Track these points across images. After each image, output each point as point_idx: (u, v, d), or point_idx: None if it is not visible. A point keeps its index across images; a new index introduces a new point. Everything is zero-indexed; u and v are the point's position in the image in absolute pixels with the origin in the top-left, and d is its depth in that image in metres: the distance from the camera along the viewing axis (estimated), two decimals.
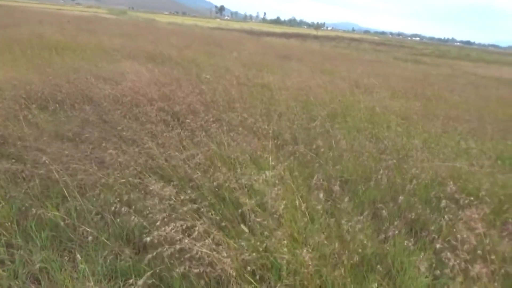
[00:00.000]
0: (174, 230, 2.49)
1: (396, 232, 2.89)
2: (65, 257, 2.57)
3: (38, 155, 3.51)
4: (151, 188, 2.95)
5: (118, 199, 2.87)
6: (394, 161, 4.23)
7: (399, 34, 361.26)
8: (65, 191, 3.00)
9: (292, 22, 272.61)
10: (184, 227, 2.54)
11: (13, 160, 3.58)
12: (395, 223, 3.08)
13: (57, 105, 5.58)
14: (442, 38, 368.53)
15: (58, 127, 4.75)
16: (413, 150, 4.78)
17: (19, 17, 22.56)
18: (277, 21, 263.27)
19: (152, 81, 7.15)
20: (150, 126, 4.75)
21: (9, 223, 2.68)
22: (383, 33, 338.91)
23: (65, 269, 2.45)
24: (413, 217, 3.23)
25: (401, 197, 3.24)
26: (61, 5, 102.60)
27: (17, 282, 2.29)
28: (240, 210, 2.88)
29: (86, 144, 3.97)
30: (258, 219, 2.75)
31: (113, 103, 5.75)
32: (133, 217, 2.71)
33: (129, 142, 4.23)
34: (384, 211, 3.06)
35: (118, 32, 19.10)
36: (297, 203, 2.95)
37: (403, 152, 4.83)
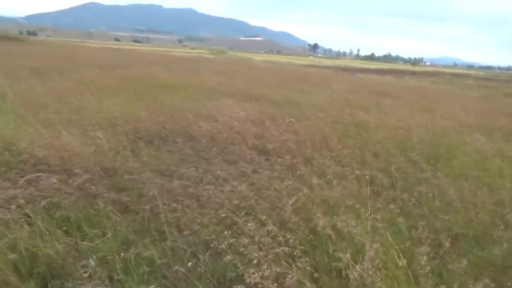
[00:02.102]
0: (266, 276, 2.41)
1: None
2: None
3: (142, 189, 3.75)
4: (245, 229, 2.93)
5: (212, 239, 2.89)
6: None
7: (508, 68, 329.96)
8: (164, 227, 3.12)
9: (387, 58, 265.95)
10: (276, 273, 2.45)
11: (121, 192, 3.88)
12: None
13: (161, 141, 6.00)
14: None
15: (160, 162, 5.06)
16: None
17: (134, 59, 25.44)
18: (371, 57, 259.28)
19: (247, 119, 7.37)
20: (243, 164, 4.83)
21: (112, 256, 2.84)
22: (489, 67, 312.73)
23: None
24: None
25: None
26: (170, 47, 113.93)
27: None
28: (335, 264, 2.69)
29: (184, 180, 4.14)
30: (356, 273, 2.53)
31: (210, 140, 6.01)
32: (225, 259, 2.70)
33: (223, 180, 4.31)
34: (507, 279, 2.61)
35: (217, 71, 20.37)
36: (399, 259, 2.67)
37: None
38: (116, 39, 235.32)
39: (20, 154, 4.42)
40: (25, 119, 5.79)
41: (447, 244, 3.03)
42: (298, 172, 4.69)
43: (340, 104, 11.64)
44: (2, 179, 3.83)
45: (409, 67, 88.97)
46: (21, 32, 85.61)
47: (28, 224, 3.14)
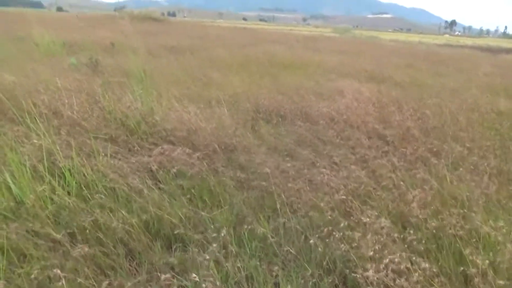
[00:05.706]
0: (383, 271, 2.26)
1: None
2: (268, 271, 2.65)
3: (259, 166, 3.85)
4: (362, 218, 2.79)
5: (327, 224, 2.82)
6: None
7: None
8: (277, 206, 3.15)
9: None
10: (396, 268, 2.28)
11: (239, 167, 4.05)
12: None
13: (280, 119, 6.07)
14: None
15: (277, 140, 5.11)
16: None
17: (258, 38, 26.14)
18: None
19: (369, 101, 6.98)
20: (361, 150, 4.61)
21: (228, 227, 2.98)
22: None
23: (268, 283, 2.53)
24: None
25: None
26: (293, 26, 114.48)
27: (226, 286, 2.49)
28: (463, 268, 2.39)
29: (300, 161, 4.11)
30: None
31: (329, 121, 5.86)
32: (340, 246, 2.62)
33: (339, 164, 4.17)
34: None
35: (339, 50, 19.75)
36: None
37: None
38: (244, 19, 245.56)
39: (154, 126, 4.89)
40: (160, 93, 6.38)
41: None
42: (424, 163, 4.29)
43: (478, 89, 10.26)
44: (139, 147, 4.30)
45: None
46: (162, 14, 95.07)
47: (158, 189, 3.46)
